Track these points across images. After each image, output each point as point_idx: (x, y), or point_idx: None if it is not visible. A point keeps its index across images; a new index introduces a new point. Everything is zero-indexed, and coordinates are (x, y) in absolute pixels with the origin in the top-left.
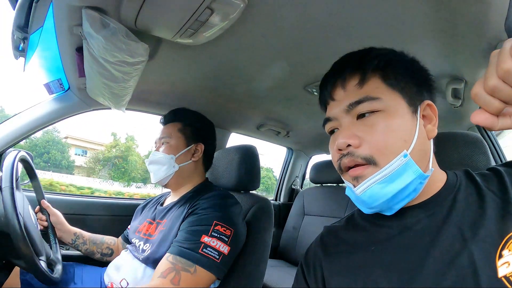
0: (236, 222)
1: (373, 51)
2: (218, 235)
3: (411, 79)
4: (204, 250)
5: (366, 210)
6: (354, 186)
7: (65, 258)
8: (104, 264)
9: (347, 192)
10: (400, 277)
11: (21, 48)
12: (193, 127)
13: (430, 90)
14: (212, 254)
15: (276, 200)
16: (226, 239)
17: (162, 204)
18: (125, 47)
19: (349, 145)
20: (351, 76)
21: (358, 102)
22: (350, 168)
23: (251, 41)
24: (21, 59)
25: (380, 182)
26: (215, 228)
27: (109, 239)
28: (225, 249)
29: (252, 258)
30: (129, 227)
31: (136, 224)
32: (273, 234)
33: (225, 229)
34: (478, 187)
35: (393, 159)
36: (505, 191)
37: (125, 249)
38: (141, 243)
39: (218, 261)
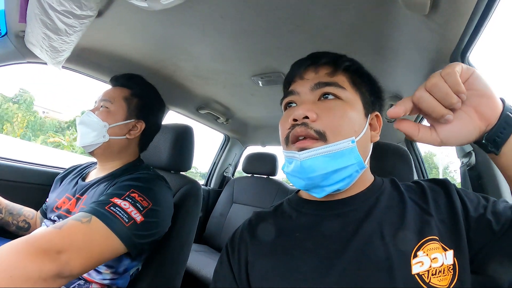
0: (158, 199)
1: (346, 56)
2: (133, 202)
3: (370, 91)
4: (111, 208)
5: (300, 183)
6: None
7: None
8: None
9: (284, 168)
10: (320, 263)
11: None
12: (141, 100)
13: (380, 106)
14: (119, 214)
15: (206, 185)
16: (141, 208)
17: (84, 179)
18: None
19: (306, 117)
20: (325, 66)
21: (326, 84)
22: (298, 140)
23: (208, 19)
24: None
25: (324, 155)
26: (131, 195)
27: (27, 212)
28: (137, 216)
29: (177, 241)
30: (47, 199)
31: (55, 198)
32: (199, 219)
33: (142, 199)
34: (401, 194)
35: (342, 140)
36: (425, 203)
37: (42, 225)
38: (60, 220)
39: (127, 225)
